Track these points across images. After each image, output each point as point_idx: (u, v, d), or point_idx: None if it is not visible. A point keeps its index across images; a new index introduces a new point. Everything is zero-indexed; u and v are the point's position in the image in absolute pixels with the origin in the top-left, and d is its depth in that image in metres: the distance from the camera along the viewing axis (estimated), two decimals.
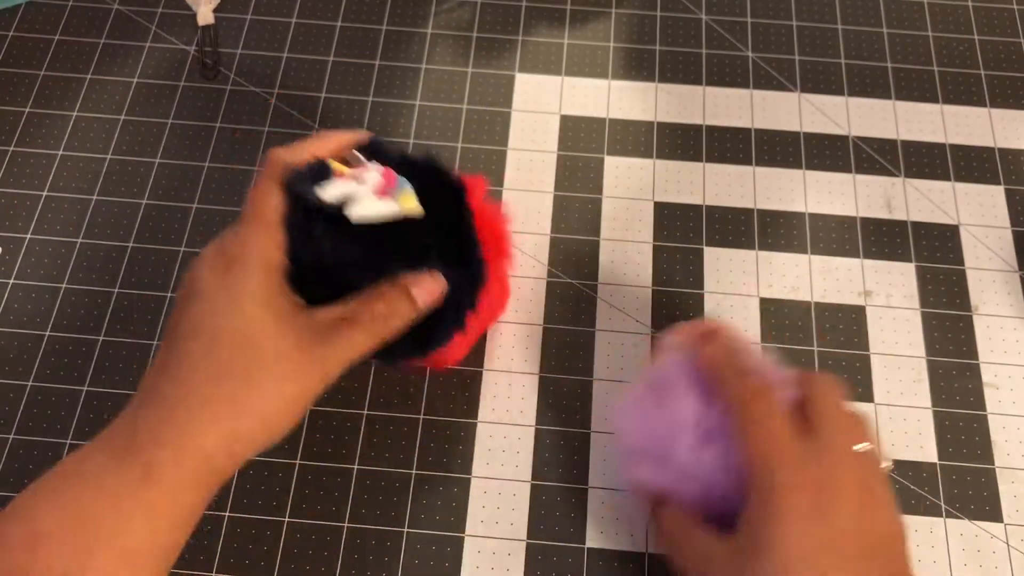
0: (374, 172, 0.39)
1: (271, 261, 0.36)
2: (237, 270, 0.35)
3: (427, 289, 0.39)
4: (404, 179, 0.40)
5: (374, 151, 0.42)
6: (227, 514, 0.49)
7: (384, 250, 0.39)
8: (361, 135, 0.42)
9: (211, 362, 0.33)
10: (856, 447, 0.39)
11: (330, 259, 0.38)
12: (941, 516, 0.49)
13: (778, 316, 0.54)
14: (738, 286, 0.55)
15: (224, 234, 0.38)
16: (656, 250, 0.56)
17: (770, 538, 0.35)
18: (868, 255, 0.56)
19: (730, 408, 0.39)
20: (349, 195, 0.38)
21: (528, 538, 0.48)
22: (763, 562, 0.35)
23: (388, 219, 0.39)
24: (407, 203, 0.39)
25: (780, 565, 0.35)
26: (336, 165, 0.40)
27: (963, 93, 0.62)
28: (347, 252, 0.38)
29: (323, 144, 0.40)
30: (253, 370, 0.33)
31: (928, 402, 0.52)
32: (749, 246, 0.56)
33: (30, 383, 0.52)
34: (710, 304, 0.54)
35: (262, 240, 0.36)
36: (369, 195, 0.38)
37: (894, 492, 0.39)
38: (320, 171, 0.39)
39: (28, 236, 0.56)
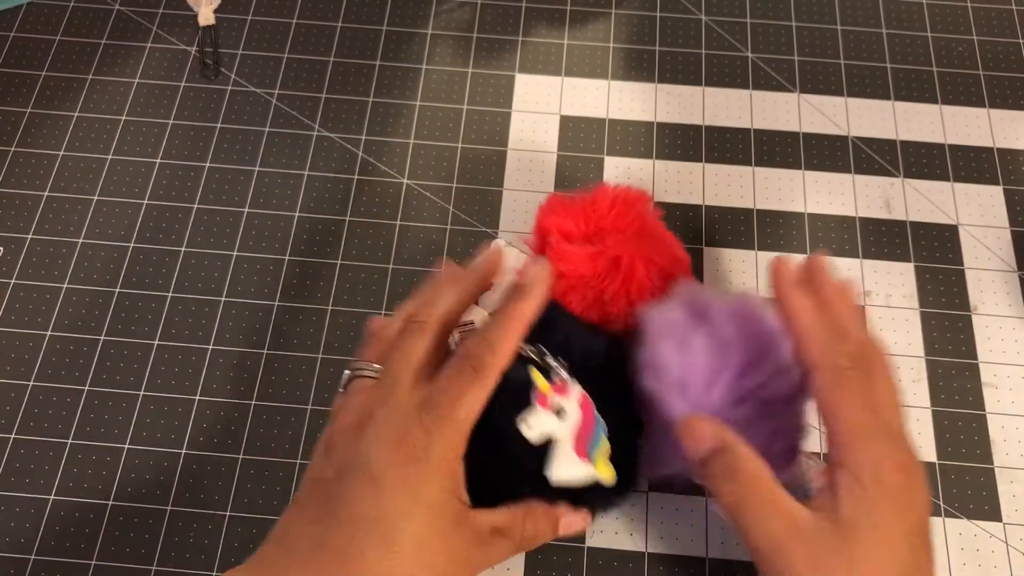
0: (573, 400, 0.38)
1: (453, 466, 0.34)
2: (420, 469, 0.33)
3: (575, 524, 0.39)
4: (600, 420, 0.39)
5: (549, 331, 0.39)
6: (227, 514, 0.49)
7: (563, 493, 0.39)
8: (537, 295, 0.37)
9: (381, 555, 0.32)
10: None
11: (510, 483, 0.38)
12: (940, 516, 0.49)
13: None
14: (738, 286, 0.55)
15: (397, 403, 0.35)
16: None
17: (874, 524, 0.33)
18: (867, 255, 0.56)
19: (816, 369, 0.36)
20: (549, 435, 0.37)
21: None
22: (870, 547, 0.33)
23: (582, 483, 0.39)
24: (603, 471, 0.39)
25: (887, 550, 0.33)
26: (539, 380, 0.37)
27: (962, 94, 0.62)
28: (526, 475, 0.38)
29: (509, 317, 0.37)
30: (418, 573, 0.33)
31: (927, 402, 0.52)
32: (748, 246, 0.56)
33: (30, 383, 0.52)
34: None
35: (450, 445, 0.34)
36: (568, 448, 0.37)
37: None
38: (524, 389, 0.37)
39: (29, 236, 0.56)
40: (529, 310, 0.37)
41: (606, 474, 0.39)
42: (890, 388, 0.36)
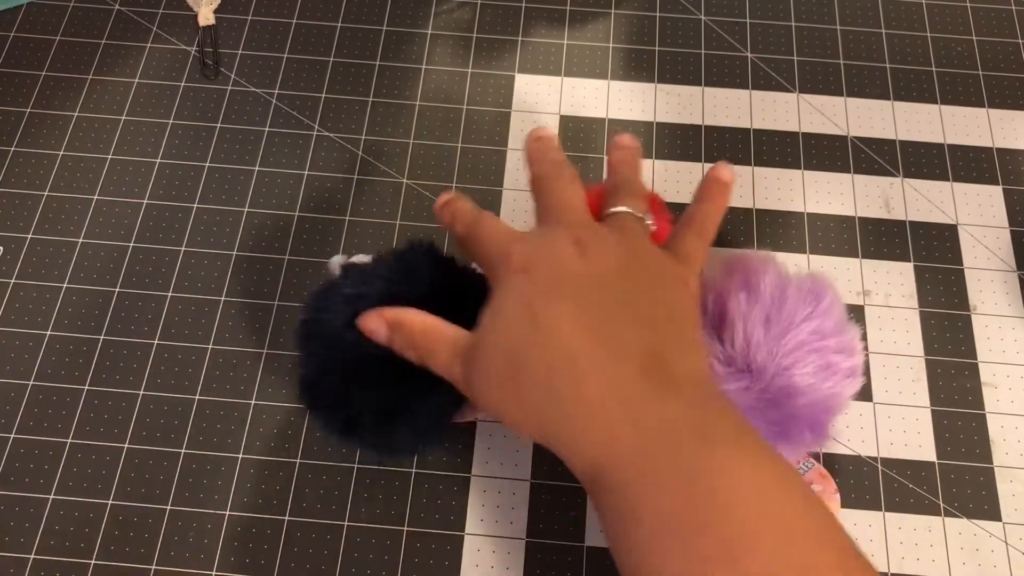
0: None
1: None
2: None
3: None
4: None
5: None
6: (227, 513, 0.49)
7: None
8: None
9: None
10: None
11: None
12: (940, 515, 0.49)
13: None
14: None
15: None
16: None
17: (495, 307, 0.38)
18: (867, 255, 0.56)
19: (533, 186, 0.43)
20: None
21: (528, 537, 0.48)
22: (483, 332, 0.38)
23: None
24: None
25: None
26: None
27: (961, 94, 0.62)
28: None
29: None
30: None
31: (927, 401, 0.52)
32: (748, 246, 0.56)
33: (30, 383, 0.52)
34: None
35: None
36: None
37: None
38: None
39: (29, 236, 0.56)
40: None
41: None
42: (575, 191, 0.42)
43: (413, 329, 0.39)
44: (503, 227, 0.41)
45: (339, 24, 0.64)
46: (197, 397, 0.51)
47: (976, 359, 0.53)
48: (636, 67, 0.63)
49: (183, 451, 0.50)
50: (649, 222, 0.41)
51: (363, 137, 0.60)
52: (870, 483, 0.49)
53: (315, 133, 0.60)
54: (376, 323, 0.40)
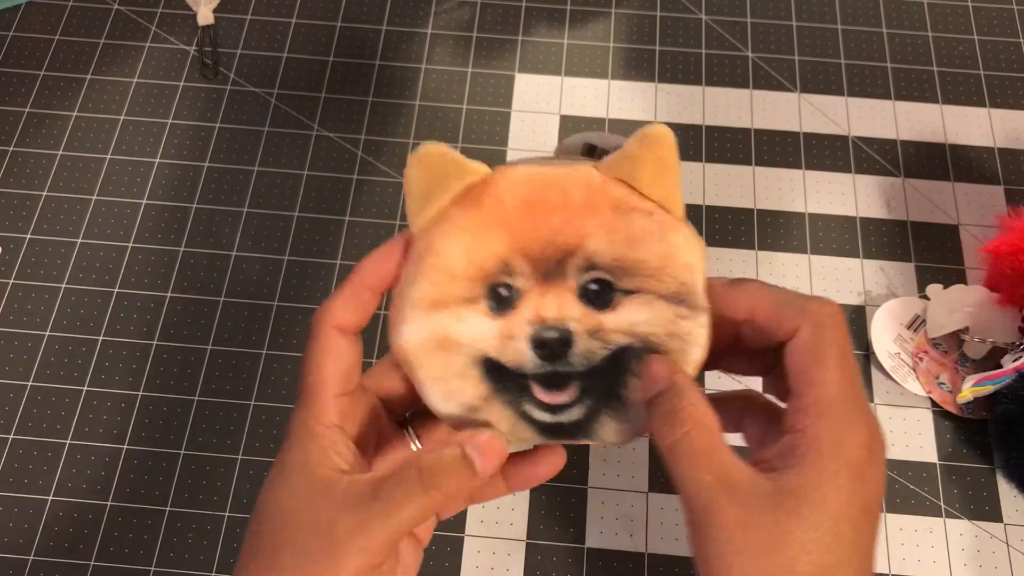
0: None
1: (316, 432, 0.32)
2: (288, 444, 0.32)
3: (487, 450, 0.31)
4: None
5: None
6: (227, 514, 0.49)
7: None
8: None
9: (251, 533, 0.32)
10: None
11: None
12: (941, 516, 0.49)
13: None
14: None
15: None
16: None
17: (821, 499, 0.29)
18: (867, 255, 0.56)
19: (797, 332, 0.32)
20: None
21: (528, 538, 0.48)
22: (810, 523, 0.29)
23: None
24: None
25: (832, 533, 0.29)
26: None
27: (963, 93, 0.62)
28: None
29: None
30: (279, 547, 0.31)
31: (927, 402, 0.52)
32: (749, 246, 0.56)
33: (30, 383, 0.52)
34: None
35: (310, 413, 0.33)
36: None
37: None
38: None
39: (28, 236, 0.56)
40: (369, 266, 0.33)
41: None
42: (854, 356, 0.32)
43: (687, 412, 0.31)
44: None
45: (339, 24, 0.64)
46: (196, 398, 0.51)
47: None
48: (636, 67, 0.63)
49: (182, 452, 0.50)
50: None
51: (363, 137, 0.60)
52: None
53: (314, 133, 0.60)
54: (661, 372, 0.31)
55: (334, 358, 0.32)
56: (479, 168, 0.29)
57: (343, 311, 0.33)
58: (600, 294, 0.29)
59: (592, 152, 0.35)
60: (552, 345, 0.29)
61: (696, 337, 0.29)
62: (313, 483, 0.31)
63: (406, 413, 0.35)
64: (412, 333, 0.30)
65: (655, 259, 0.29)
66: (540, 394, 0.29)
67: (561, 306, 0.29)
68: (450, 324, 0.29)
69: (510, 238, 0.29)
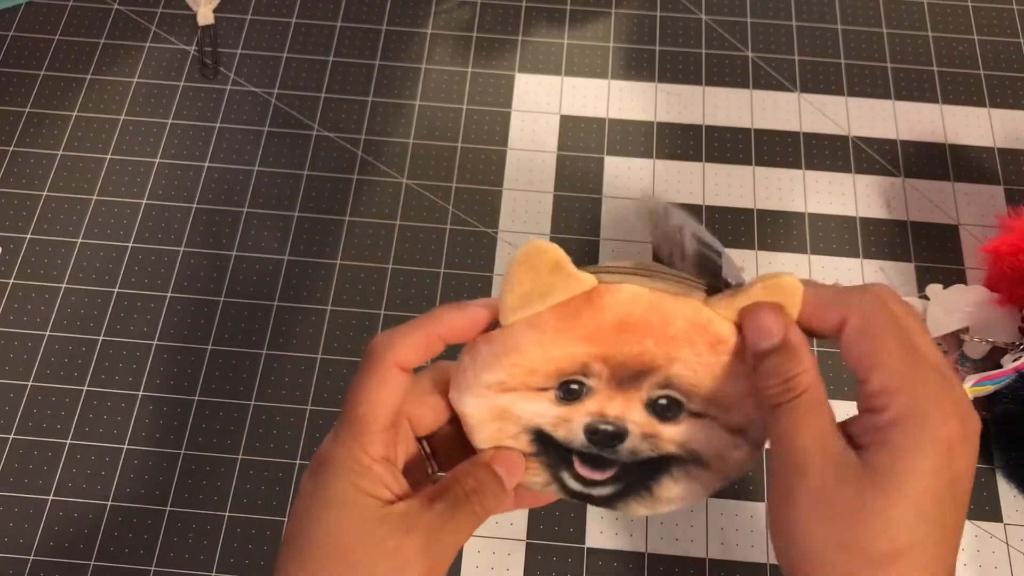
0: None
1: (363, 463, 0.33)
2: (327, 472, 0.33)
3: (511, 466, 0.33)
4: None
5: None
6: (227, 514, 0.49)
7: None
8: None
9: (298, 566, 0.32)
10: None
11: None
12: None
13: None
14: None
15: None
16: (657, 250, 0.56)
17: (908, 471, 0.29)
18: (867, 255, 0.56)
19: (847, 322, 0.31)
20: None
21: (528, 538, 0.48)
22: (893, 499, 0.29)
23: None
24: None
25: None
26: None
27: (963, 93, 0.62)
28: None
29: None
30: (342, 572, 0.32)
31: None
32: (749, 246, 0.56)
33: (30, 383, 0.52)
34: None
35: (356, 443, 0.33)
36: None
37: None
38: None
39: (28, 236, 0.56)
40: (451, 318, 0.33)
41: None
42: (923, 326, 0.32)
43: (801, 377, 0.31)
44: None
45: (339, 24, 0.64)
46: (196, 398, 0.51)
47: None
48: (636, 67, 0.63)
49: (182, 452, 0.50)
50: None
51: (363, 137, 0.60)
52: None
53: (315, 133, 0.60)
54: (775, 324, 0.32)
55: (390, 393, 0.33)
56: (587, 280, 0.29)
57: (410, 351, 0.33)
58: (667, 408, 0.29)
59: (704, 264, 0.32)
60: (604, 436, 0.30)
61: (743, 466, 0.30)
62: (368, 515, 0.33)
63: (425, 435, 0.36)
64: (477, 406, 0.31)
65: (732, 397, 0.29)
66: (580, 468, 0.30)
67: (626, 409, 0.29)
68: (515, 402, 0.30)
69: (597, 348, 0.29)
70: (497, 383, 0.30)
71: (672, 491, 0.30)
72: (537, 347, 0.29)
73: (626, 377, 0.29)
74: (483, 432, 0.31)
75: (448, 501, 0.32)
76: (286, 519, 0.34)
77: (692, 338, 0.29)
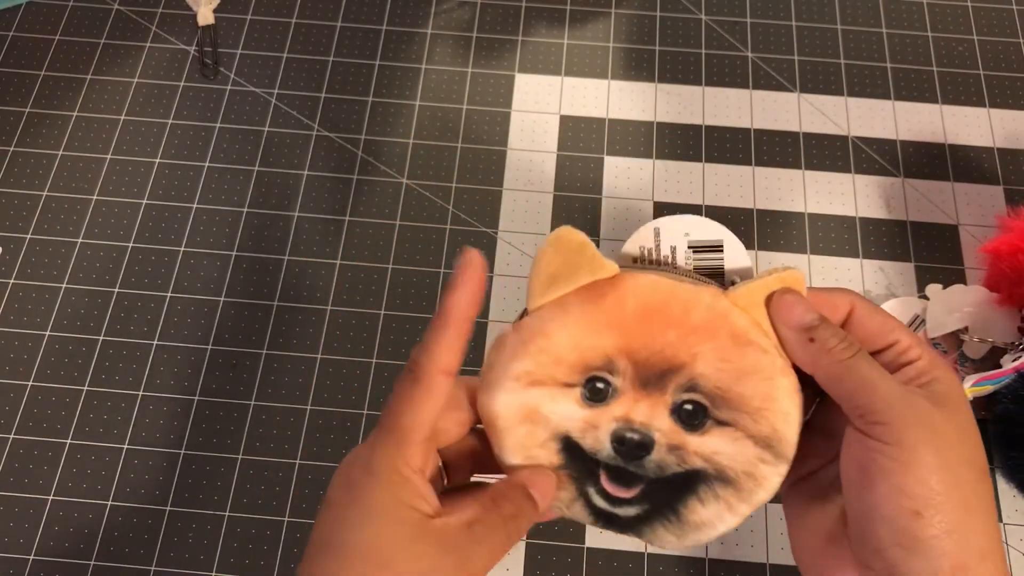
0: None
1: (405, 475, 0.34)
2: (366, 482, 0.33)
3: (546, 489, 0.34)
4: None
5: None
6: (227, 514, 0.49)
7: None
8: (466, 284, 0.33)
9: (334, 570, 0.32)
10: None
11: None
12: None
13: None
14: None
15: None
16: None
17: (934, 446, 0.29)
18: (867, 255, 0.56)
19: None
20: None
21: (528, 538, 0.48)
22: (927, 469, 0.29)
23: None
24: None
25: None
26: None
27: (962, 93, 0.62)
28: None
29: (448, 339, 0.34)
30: None
31: None
32: (749, 246, 0.56)
33: (30, 383, 0.52)
34: None
35: (398, 454, 0.34)
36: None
37: None
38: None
39: (28, 236, 0.56)
40: (461, 301, 0.36)
41: None
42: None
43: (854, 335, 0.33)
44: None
45: (339, 24, 0.64)
46: (196, 398, 0.51)
47: None
48: (636, 67, 0.63)
49: (182, 452, 0.50)
50: None
51: (363, 137, 0.60)
52: None
53: (315, 133, 0.60)
54: (802, 308, 0.33)
55: (435, 404, 0.33)
56: (611, 267, 0.29)
57: (449, 354, 0.33)
58: (693, 415, 0.29)
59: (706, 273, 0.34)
60: (631, 446, 0.30)
61: (770, 484, 0.29)
62: (409, 528, 0.33)
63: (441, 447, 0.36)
64: (506, 403, 0.31)
65: (757, 399, 0.29)
66: (606, 483, 0.30)
67: (652, 415, 0.29)
68: (543, 401, 0.30)
69: (621, 339, 0.29)
70: (525, 373, 0.30)
71: (700, 514, 0.30)
72: (562, 329, 0.29)
73: (651, 377, 0.29)
74: (512, 437, 0.30)
75: (487, 526, 0.33)
76: (314, 524, 0.34)
77: (714, 329, 0.29)
